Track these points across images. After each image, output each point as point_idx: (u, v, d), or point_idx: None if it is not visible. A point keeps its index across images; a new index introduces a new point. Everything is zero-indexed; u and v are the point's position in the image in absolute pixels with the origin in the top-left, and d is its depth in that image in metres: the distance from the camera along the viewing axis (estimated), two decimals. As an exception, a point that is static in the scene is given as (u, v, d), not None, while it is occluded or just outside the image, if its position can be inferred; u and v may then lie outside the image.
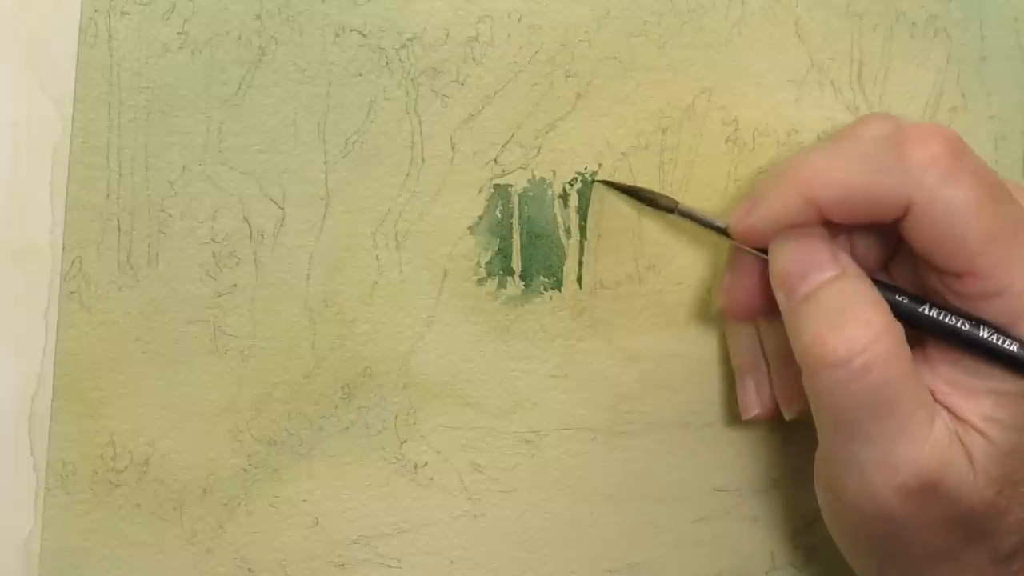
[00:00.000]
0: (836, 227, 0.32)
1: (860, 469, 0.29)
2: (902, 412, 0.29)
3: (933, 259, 0.30)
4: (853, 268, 0.31)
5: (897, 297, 0.31)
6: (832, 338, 0.29)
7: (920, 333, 0.31)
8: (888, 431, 0.29)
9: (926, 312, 0.30)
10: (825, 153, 0.31)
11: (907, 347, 0.29)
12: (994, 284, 0.29)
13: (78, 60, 0.31)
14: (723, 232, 0.33)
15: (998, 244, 0.29)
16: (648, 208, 0.34)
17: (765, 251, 0.32)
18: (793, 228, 0.31)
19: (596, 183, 0.34)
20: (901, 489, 0.29)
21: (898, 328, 0.29)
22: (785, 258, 0.31)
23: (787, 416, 0.34)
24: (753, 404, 0.35)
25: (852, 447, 0.29)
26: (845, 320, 0.29)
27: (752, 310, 0.33)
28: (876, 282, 0.31)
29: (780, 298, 0.31)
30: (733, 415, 0.36)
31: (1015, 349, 0.29)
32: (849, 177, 0.30)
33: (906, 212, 0.29)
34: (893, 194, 0.29)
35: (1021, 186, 0.32)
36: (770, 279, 0.31)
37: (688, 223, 0.34)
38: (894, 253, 0.33)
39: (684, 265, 0.35)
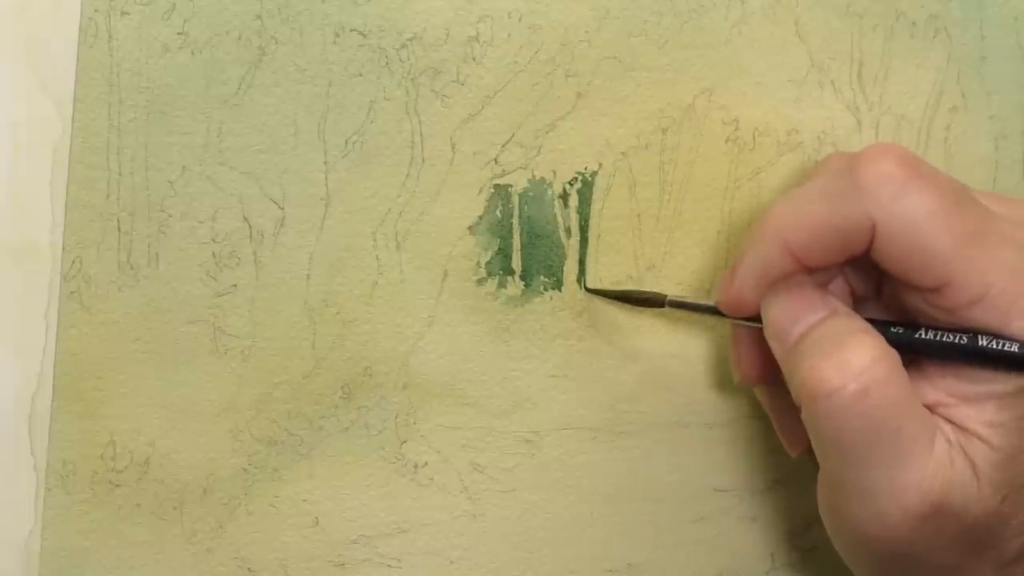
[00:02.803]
0: (824, 274, 0.32)
1: (865, 496, 0.29)
2: (903, 436, 0.29)
3: (909, 277, 0.29)
4: (842, 308, 0.31)
5: (892, 329, 0.31)
6: (827, 366, 0.29)
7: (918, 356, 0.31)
8: (890, 456, 0.29)
9: (923, 336, 0.30)
10: (787, 200, 0.31)
11: (904, 371, 0.29)
12: (973, 290, 0.29)
13: (78, 60, 0.31)
14: (716, 311, 0.33)
15: (968, 248, 0.29)
16: (638, 308, 0.35)
17: (759, 320, 0.32)
18: (780, 284, 0.31)
19: (585, 291, 0.35)
20: (907, 512, 0.29)
21: (893, 354, 0.29)
22: (775, 311, 0.31)
23: None
24: (796, 443, 0.35)
25: (855, 473, 0.29)
26: (839, 349, 0.29)
27: (767, 374, 0.33)
28: (870, 320, 0.31)
29: (775, 349, 0.31)
30: (733, 415, 0.36)
31: (1015, 349, 0.29)
32: (812, 215, 0.30)
33: (873, 236, 0.29)
34: (855, 220, 0.29)
35: (987, 192, 0.32)
36: (765, 337, 0.32)
37: (678, 313, 0.35)
38: (880, 287, 0.33)
39: (684, 265, 0.35)
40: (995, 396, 0.29)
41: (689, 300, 0.34)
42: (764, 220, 0.31)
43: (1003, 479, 0.29)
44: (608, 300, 0.35)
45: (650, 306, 0.35)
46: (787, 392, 0.34)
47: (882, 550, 0.30)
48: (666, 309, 0.34)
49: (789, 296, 0.31)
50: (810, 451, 0.34)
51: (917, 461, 0.29)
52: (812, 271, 0.31)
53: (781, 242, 0.30)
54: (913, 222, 0.29)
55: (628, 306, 0.35)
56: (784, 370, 0.31)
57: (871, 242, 0.30)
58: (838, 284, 0.33)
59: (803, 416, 0.30)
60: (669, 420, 0.36)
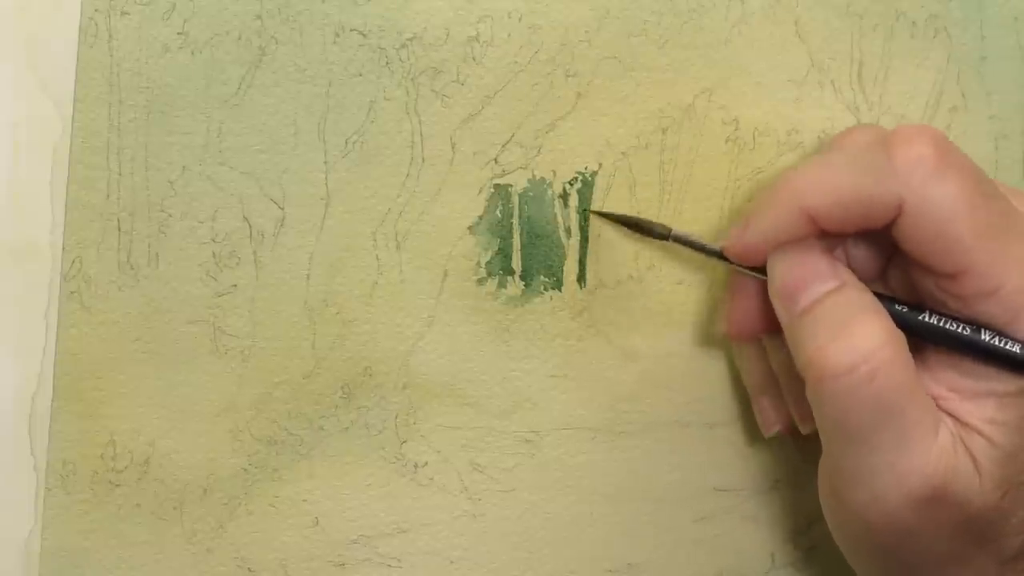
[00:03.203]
0: (832, 240, 0.32)
1: (866, 479, 0.29)
2: (907, 420, 0.29)
3: (927, 260, 0.30)
4: (852, 279, 0.31)
5: (896, 307, 0.31)
6: (835, 348, 0.29)
7: (920, 341, 0.30)
8: (894, 440, 0.29)
9: (926, 320, 0.30)
10: (814, 164, 0.31)
11: (910, 355, 0.29)
12: (989, 282, 0.29)
13: (78, 60, 0.31)
14: (720, 255, 0.33)
15: (991, 240, 0.29)
16: (644, 237, 0.34)
17: (763, 272, 0.32)
18: (790, 242, 0.31)
19: (591, 214, 0.34)
20: (908, 497, 0.29)
21: (900, 337, 0.29)
22: (784, 272, 0.31)
23: (804, 431, 0.34)
24: (772, 421, 0.35)
25: (858, 457, 0.29)
26: (847, 330, 0.29)
27: (755, 331, 0.33)
28: (875, 293, 0.31)
29: (780, 312, 0.31)
30: (733, 415, 0.36)
31: (1017, 350, 0.29)
32: (840, 183, 0.30)
33: (898, 214, 0.29)
34: (884, 196, 0.29)
35: (1009, 187, 0.32)
36: (769, 294, 0.31)
37: (684, 248, 0.34)
38: (888, 264, 0.33)
39: (684, 265, 0.35)
40: (996, 395, 0.29)
41: (695, 238, 0.34)
42: (786, 182, 0.31)
43: (1003, 475, 0.29)
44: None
45: (654, 237, 0.34)
46: (769, 366, 0.34)
47: (883, 540, 0.30)
48: (670, 243, 0.34)
49: (800, 260, 0.31)
50: (790, 431, 0.34)
51: (920, 445, 0.29)
52: (823, 236, 0.31)
53: (800, 205, 0.30)
54: (941, 207, 0.29)
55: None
56: (789, 338, 0.31)
57: (894, 220, 0.30)
58: (841, 254, 0.32)
59: (808, 395, 0.30)
60: (669, 420, 0.36)
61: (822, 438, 0.30)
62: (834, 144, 0.34)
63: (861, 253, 0.33)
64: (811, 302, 0.30)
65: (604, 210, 0.34)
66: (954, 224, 0.29)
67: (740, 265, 0.32)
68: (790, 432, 0.35)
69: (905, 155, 0.29)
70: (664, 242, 0.34)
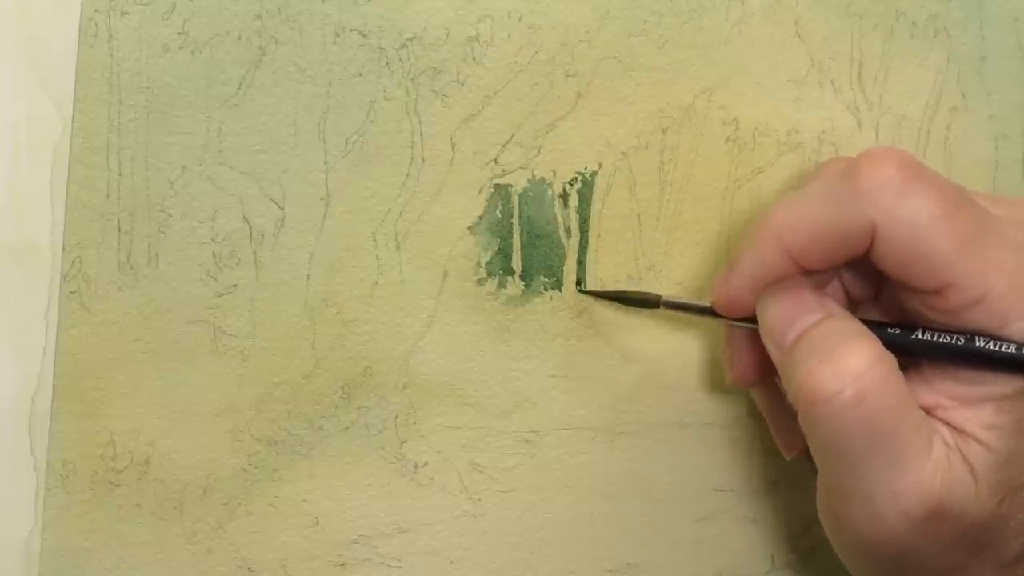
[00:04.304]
0: (823, 276, 0.32)
1: (863, 499, 0.29)
2: (900, 440, 0.29)
3: (909, 280, 0.29)
4: (838, 309, 0.31)
5: (889, 330, 0.31)
6: (822, 372, 0.29)
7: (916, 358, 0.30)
8: (888, 460, 0.28)
9: (919, 337, 0.30)
10: (786, 202, 0.31)
11: (900, 375, 0.29)
12: (974, 292, 0.29)
13: (78, 60, 0.31)
14: (710, 312, 0.33)
15: (968, 250, 0.29)
16: (634, 308, 0.35)
17: (754, 321, 0.32)
18: (775, 283, 0.31)
19: (579, 292, 0.35)
20: (906, 516, 0.29)
21: (889, 358, 0.29)
22: (771, 312, 0.31)
23: None
24: (792, 446, 0.35)
25: (853, 479, 0.29)
26: (834, 355, 0.29)
27: (761, 376, 0.34)
28: (865, 321, 0.31)
29: (772, 351, 0.31)
30: (732, 415, 0.36)
31: (1012, 351, 0.29)
32: (812, 218, 0.30)
33: (873, 238, 0.29)
34: (854, 222, 0.29)
35: (984, 194, 0.32)
36: (761, 336, 0.31)
37: (675, 313, 0.35)
38: (880, 289, 0.33)
39: (684, 265, 0.35)
40: (993, 398, 0.29)
41: (684, 301, 0.34)
42: (762, 222, 0.31)
43: (1001, 480, 0.29)
44: (604, 301, 0.35)
45: (645, 307, 0.34)
46: (781, 394, 0.34)
47: (881, 553, 0.30)
48: (661, 309, 0.34)
49: (785, 297, 0.31)
50: (806, 453, 0.34)
51: (914, 464, 0.29)
52: (809, 274, 0.31)
53: (779, 244, 0.30)
54: (914, 225, 0.29)
55: (628, 306, 0.35)
56: (781, 373, 0.31)
57: (870, 245, 0.30)
58: (834, 287, 0.33)
59: (800, 421, 0.30)
60: (669, 420, 0.36)
61: (816, 462, 0.30)
62: (808, 179, 0.33)
63: (855, 281, 0.33)
64: (798, 335, 0.30)
65: (590, 289, 0.35)
66: (929, 240, 0.29)
67: (731, 318, 0.32)
68: (807, 455, 0.35)
69: (873, 178, 0.29)
70: (655, 309, 0.34)
